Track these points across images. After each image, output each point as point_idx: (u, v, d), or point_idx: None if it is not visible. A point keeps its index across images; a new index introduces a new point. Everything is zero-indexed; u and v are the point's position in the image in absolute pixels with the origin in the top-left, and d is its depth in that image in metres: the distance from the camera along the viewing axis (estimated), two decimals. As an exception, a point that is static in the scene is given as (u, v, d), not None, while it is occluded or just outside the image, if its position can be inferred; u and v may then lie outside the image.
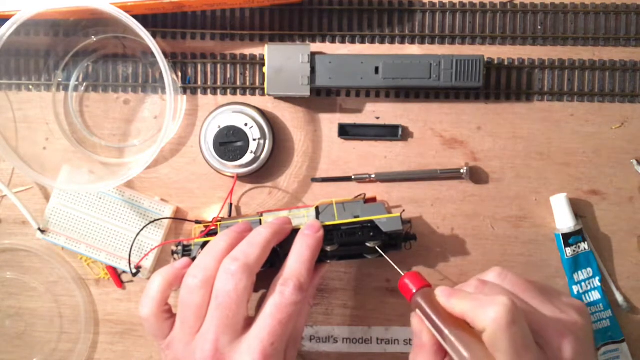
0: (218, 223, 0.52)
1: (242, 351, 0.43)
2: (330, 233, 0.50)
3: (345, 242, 0.50)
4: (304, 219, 0.52)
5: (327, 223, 0.50)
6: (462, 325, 0.42)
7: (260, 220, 0.52)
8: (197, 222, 0.54)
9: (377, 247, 0.50)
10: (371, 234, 0.50)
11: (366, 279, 0.56)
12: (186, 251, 0.52)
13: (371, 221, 0.50)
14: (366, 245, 0.50)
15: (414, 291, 0.44)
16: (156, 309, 0.47)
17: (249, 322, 0.45)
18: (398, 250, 0.52)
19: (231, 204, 0.54)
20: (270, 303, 0.44)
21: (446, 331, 0.41)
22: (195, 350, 0.44)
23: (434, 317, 0.43)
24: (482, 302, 0.41)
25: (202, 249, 0.50)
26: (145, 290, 0.47)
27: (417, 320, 0.45)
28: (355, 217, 0.51)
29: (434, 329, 0.43)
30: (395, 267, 0.49)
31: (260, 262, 0.46)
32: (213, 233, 0.51)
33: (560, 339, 0.42)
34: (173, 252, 0.53)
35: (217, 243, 0.47)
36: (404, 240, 0.52)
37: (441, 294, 0.44)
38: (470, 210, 0.55)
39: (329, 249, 0.50)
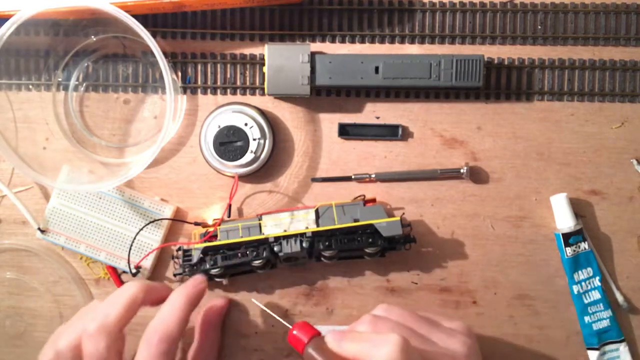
0: (218, 227, 0.52)
1: None
2: (329, 238, 0.50)
3: (344, 247, 0.50)
4: (304, 222, 0.52)
5: (327, 228, 0.50)
6: None
7: (260, 223, 0.52)
8: (197, 223, 0.54)
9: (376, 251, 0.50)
10: (370, 240, 0.50)
11: (366, 279, 0.56)
12: (186, 256, 0.52)
13: (371, 225, 0.50)
14: (365, 250, 0.51)
15: (305, 342, 0.44)
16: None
17: None
18: (397, 251, 0.52)
19: (230, 205, 0.54)
20: (138, 356, 0.44)
21: None
22: None
23: None
24: (374, 342, 0.41)
25: (202, 254, 0.50)
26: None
27: None
28: (355, 220, 0.51)
29: None
30: (282, 320, 0.48)
31: (123, 321, 0.45)
32: (213, 236, 0.52)
33: None
34: (173, 257, 0.53)
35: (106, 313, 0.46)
36: (403, 243, 0.52)
37: (332, 340, 0.43)
38: (470, 210, 0.55)
39: (327, 254, 0.50)
